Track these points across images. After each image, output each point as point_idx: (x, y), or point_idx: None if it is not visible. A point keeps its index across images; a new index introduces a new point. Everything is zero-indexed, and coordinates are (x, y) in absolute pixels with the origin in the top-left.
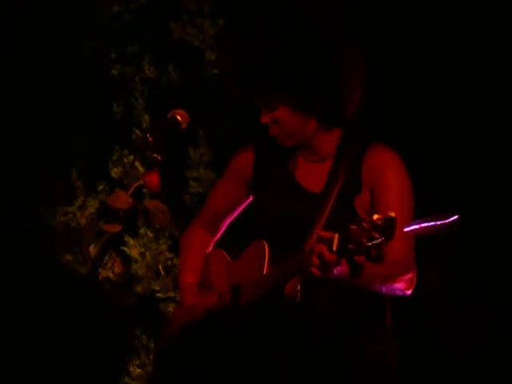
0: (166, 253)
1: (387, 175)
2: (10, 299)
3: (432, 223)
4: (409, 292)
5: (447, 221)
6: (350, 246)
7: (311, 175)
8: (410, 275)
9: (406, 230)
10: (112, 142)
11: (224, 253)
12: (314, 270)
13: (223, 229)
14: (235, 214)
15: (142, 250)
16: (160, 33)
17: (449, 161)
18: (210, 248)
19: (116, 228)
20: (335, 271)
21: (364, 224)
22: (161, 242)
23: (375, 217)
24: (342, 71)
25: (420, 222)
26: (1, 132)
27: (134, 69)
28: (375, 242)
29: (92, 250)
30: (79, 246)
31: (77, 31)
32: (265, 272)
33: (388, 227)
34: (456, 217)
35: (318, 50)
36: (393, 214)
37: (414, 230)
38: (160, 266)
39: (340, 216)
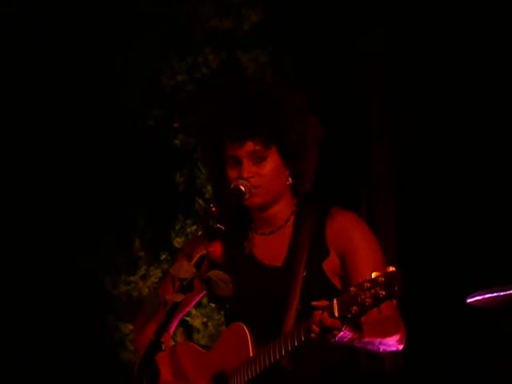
0: None
1: (354, 236)
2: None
3: (496, 294)
4: (401, 347)
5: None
6: (355, 309)
7: (270, 249)
8: (402, 329)
9: (469, 301)
10: (175, 212)
11: (194, 345)
12: (315, 339)
13: (176, 323)
14: (188, 308)
15: (205, 320)
16: None
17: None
18: (169, 343)
19: (179, 297)
20: (337, 338)
21: (365, 284)
22: (223, 312)
23: (374, 275)
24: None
25: (484, 292)
26: (67, 201)
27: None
28: (380, 299)
29: None
30: None
31: (140, 100)
32: (251, 355)
33: (392, 282)
34: None
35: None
36: (392, 268)
37: (478, 301)
38: None
39: (313, 284)
